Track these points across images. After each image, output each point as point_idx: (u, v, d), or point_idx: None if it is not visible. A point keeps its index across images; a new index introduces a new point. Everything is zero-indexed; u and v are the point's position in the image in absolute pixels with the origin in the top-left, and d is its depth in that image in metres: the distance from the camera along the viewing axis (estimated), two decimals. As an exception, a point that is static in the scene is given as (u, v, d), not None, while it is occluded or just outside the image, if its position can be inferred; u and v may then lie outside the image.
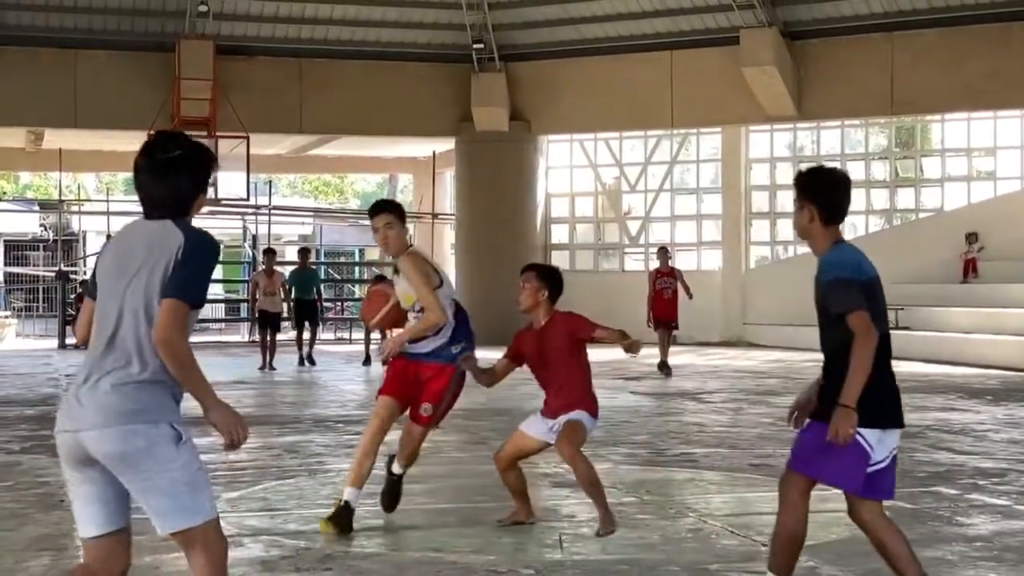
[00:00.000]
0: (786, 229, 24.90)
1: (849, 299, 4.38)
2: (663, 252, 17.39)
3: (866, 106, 22.69)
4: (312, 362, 18.50)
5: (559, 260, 24.41)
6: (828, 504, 5.76)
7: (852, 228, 24.27)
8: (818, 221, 4.50)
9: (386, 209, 6.47)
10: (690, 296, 16.63)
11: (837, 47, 22.17)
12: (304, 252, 20.19)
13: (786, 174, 24.68)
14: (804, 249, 26.63)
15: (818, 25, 22.28)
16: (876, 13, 21.82)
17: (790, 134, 24.84)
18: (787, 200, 24.68)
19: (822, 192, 4.52)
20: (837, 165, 25.49)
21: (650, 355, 17.41)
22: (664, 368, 16.38)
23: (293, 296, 18.68)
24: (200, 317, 22.68)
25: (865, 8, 21.89)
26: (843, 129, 24.64)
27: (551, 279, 6.41)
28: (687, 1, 22.88)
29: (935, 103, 22.21)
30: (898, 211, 24.33)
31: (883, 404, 4.40)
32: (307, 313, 18.83)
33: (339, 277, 34.35)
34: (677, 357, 16.10)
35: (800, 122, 23.85)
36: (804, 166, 4.91)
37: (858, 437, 4.33)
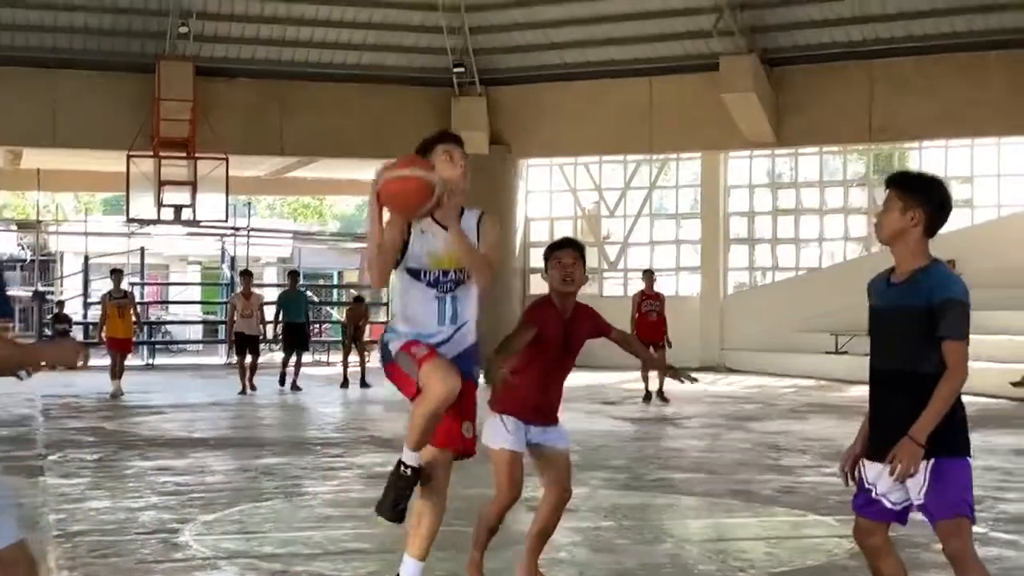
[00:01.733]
0: (764, 255, 25.00)
1: (963, 326, 4.15)
2: (649, 275, 17.38)
3: (844, 133, 22.82)
4: (297, 388, 18.30)
5: (538, 285, 24.41)
6: (806, 531, 5.76)
7: (830, 255, 24.38)
8: (921, 228, 4.21)
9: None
10: (669, 345, 16.55)
11: (815, 74, 22.31)
12: (293, 275, 20.19)
13: (765, 200, 24.80)
14: (782, 275, 26.79)
15: (796, 52, 22.42)
16: (854, 41, 21.97)
17: (769, 160, 24.95)
18: (765, 226, 24.81)
19: (937, 201, 4.23)
20: (815, 192, 25.66)
21: (630, 379, 17.41)
22: (660, 396, 15.96)
23: (283, 319, 18.67)
24: (177, 339, 22.55)
25: (843, 36, 22.04)
26: (821, 156, 24.75)
27: (585, 260, 5.58)
28: (667, 28, 22.99)
29: (913, 130, 22.36)
30: (876, 239, 24.40)
31: (966, 432, 4.27)
32: (297, 336, 18.80)
33: (318, 300, 34.27)
34: (654, 382, 16.07)
35: (779, 148, 23.97)
36: (900, 171, 4.59)
37: (968, 460, 4.22)
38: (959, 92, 20.97)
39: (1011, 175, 22.85)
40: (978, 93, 20.87)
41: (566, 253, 5.49)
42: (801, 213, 24.50)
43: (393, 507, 4.95)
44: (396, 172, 4.85)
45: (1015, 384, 16.23)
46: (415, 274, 5.03)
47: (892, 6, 21.25)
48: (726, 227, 24.83)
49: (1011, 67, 20.58)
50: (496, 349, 5.19)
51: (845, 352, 20.52)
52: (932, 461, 4.11)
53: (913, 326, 4.15)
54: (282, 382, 18.50)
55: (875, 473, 4.22)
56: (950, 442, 4.15)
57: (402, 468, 4.94)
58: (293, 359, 18.68)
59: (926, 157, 23.81)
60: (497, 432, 5.35)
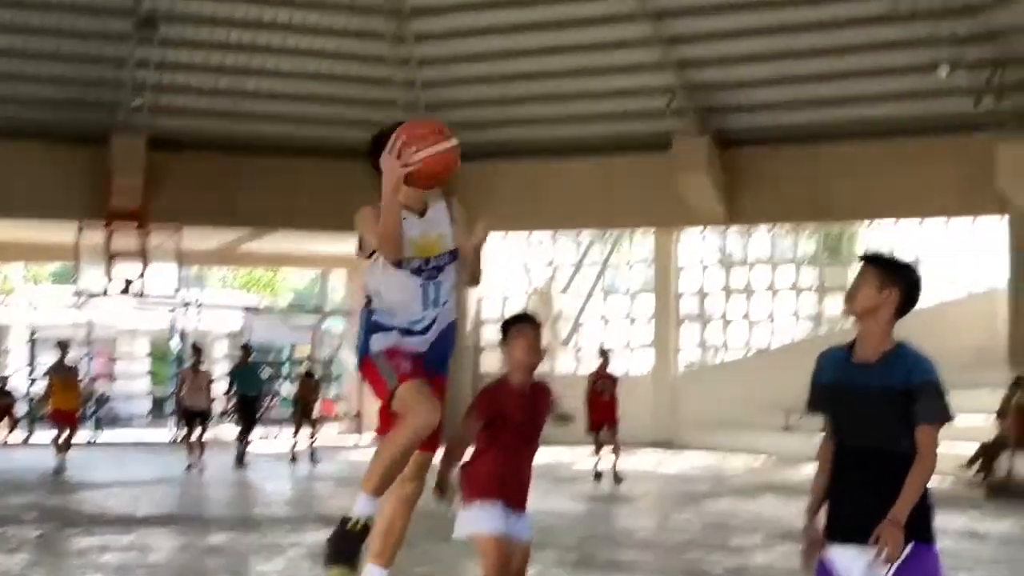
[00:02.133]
0: (715, 333, 25.11)
1: (943, 410, 4.14)
2: (604, 354, 17.40)
3: (794, 212, 23.07)
4: (244, 463, 18.03)
5: (490, 362, 24.35)
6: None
7: (781, 335, 24.53)
8: (894, 307, 4.25)
9: None
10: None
11: (766, 155, 22.58)
12: (246, 348, 20.08)
13: (716, 279, 24.98)
14: (733, 356, 26.87)
15: (748, 134, 22.70)
16: (803, 124, 22.30)
17: (721, 239, 25.16)
18: (716, 304, 24.96)
19: (913, 283, 4.28)
20: (767, 270, 25.81)
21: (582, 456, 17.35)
22: (613, 475, 15.74)
23: (236, 392, 18.53)
24: (124, 414, 22.19)
25: (793, 119, 22.37)
26: (773, 235, 25.00)
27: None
28: (622, 107, 23.25)
29: (861, 211, 22.65)
30: (826, 318, 24.63)
31: (933, 520, 4.21)
32: (251, 410, 18.64)
33: (268, 374, 33.99)
34: (606, 461, 16.01)
35: (730, 227, 24.20)
36: (877, 251, 4.55)
37: (936, 549, 4.14)
38: (907, 175, 21.29)
39: (958, 256, 23.19)
40: (923, 176, 21.19)
41: (528, 325, 5.42)
42: (752, 292, 24.69)
43: (342, 559, 4.59)
44: (432, 149, 4.89)
45: (965, 466, 16.30)
46: (397, 263, 4.97)
47: (841, 91, 21.60)
48: (678, 305, 24.95)
49: (957, 151, 20.93)
50: (442, 459, 5.03)
51: (795, 430, 20.56)
52: (908, 547, 4.06)
53: (891, 407, 4.13)
54: (240, 461, 18.12)
55: (847, 558, 4.12)
56: (921, 528, 4.11)
57: (351, 524, 4.57)
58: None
59: (874, 237, 24.10)
60: (475, 519, 5.12)
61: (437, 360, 5.01)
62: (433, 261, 5.04)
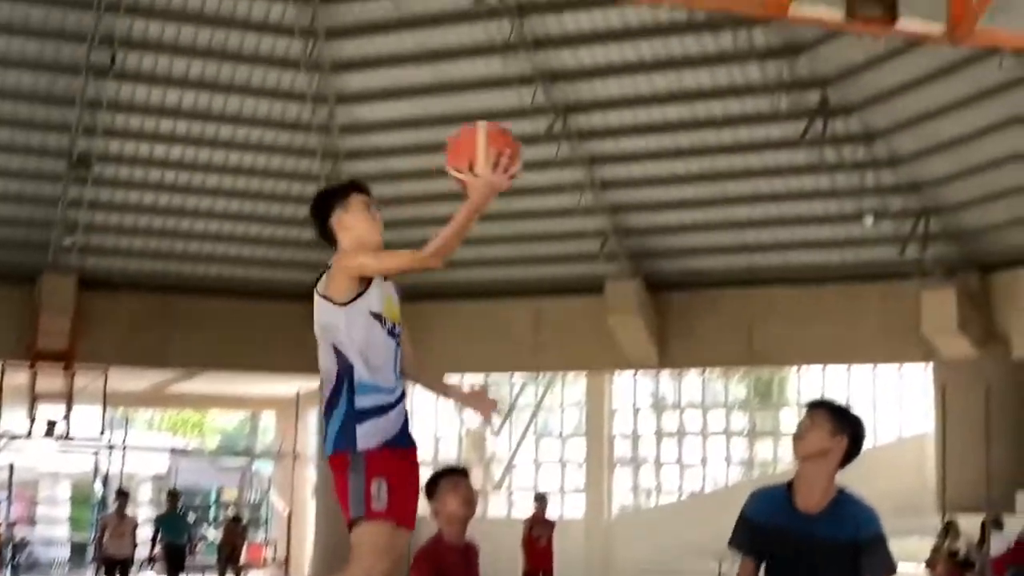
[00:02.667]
0: (649, 477, 25.01)
1: (889, 563, 4.14)
2: (540, 499, 17.26)
3: (725, 357, 23.24)
4: None
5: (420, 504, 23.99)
6: None
7: (712, 480, 24.50)
8: (839, 456, 4.28)
9: None
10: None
11: (697, 299, 22.81)
12: (173, 495, 19.68)
13: (648, 422, 24.99)
14: (666, 499, 26.72)
15: (679, 278, 22.97)
16: (733, 269, 22.62)
17: (653, 382, 25.25)
18: (649, 448, 24.91)
19: (859, 434, 4.33)
20: (698, 415, 25.87)
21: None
22: None
23: (163, 540, 18.11)
24: (44, 559, 21.60)
25: (723, 263, 22.69)
26: (704, 379, 25.14)
27: None
28: (553, 250, 23.47)
29: (790, 356, 22.86)
30: (758, 462, 24.67)
31: None
32: (178, 559, 18.20)
33: (194, 518, 33.26)
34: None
35: (662, 371, 24.31)
36: (815, 400, 4.56)
37: None
38: (834, 321, 21.58)
39: (887, 402, 23.42)
40: (851, 322, 21.50)
41: (461, 477, 5.28)
42: (684, 435, 24.71)
43: None
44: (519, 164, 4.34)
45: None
46: (378, 318, 4.50)
47: (770, 237, 21.99)
48: (611, 448, 24.88)
49: (883, 298, 21.30)
50: None
51: (729, 577, 20.41)
52: None
53: (839, 559, 4.12)
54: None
55: None
56: None
57: None
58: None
59: (804, 383, 24.31)
60: None
61: (407, 435, 4.58)
62: (396, 328, 4.59)
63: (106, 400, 22.90)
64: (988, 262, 20.55)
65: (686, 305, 22.85)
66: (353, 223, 4.52)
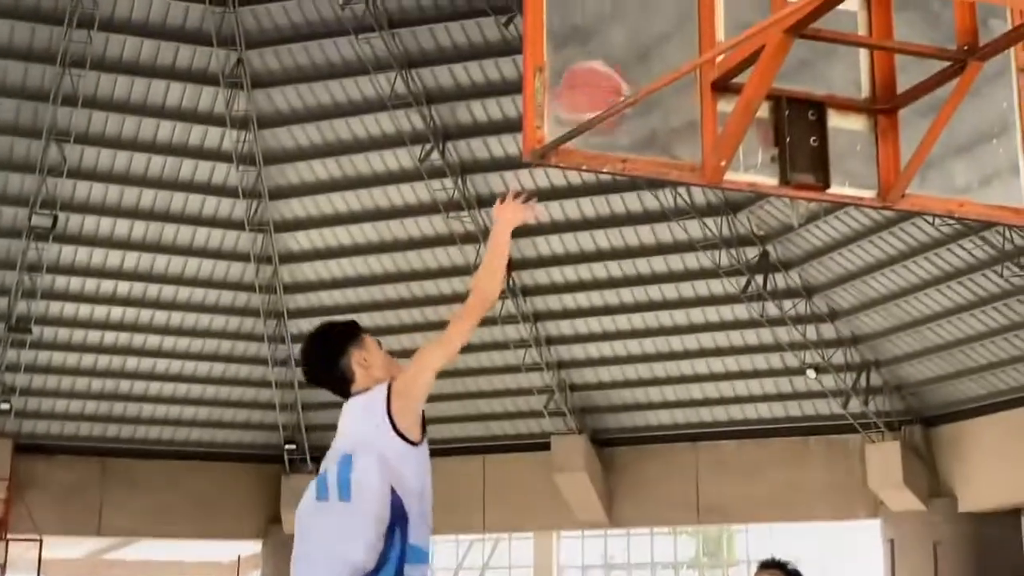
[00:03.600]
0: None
1: None
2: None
3: (674, 514, 23.01)
4: None
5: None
6: None
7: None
8: None
9: None
10: None
11: (644, 455, 22.69)
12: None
13: (598, 582, 24.60)
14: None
15: (626, 433, 22.87)
16: (680, 424, 22.57)
17: (601, 541, 24.89)
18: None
19: None
20: (647, 573, 25.48)
21: None
22: None
23: None
24: None
25: (669, 419, 22.64)
26: (652, 537, 24.84)
27: None
28: (499, 407, 23.33)
29: (739, 512, 22.66)
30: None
31: None
32: None
33: None
34: None
35: (611, 529, 23.98)
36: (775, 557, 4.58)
37: None
38: (781, 475, 21.52)
39: (834, 557, 23.22)
40: (799, 476, 21.45)
41: None
42: (634, 595, 24.31)
43: None
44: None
45: None
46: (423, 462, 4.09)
47: (712, 391, 22.03)
48: (560, 609, 24.40)
49: (829, 452, 21.32)
50: None
51: None
52: None
53: None
54: None
55: None
56: None
57: None
58: None
59: (752, 539, 24.07)
60: None
61: None
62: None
63: (41, 569, 22.24)
64: (931, 415, 20.67)
65: (633, 460, 22.72)
66: (372, 360, 4.25)
